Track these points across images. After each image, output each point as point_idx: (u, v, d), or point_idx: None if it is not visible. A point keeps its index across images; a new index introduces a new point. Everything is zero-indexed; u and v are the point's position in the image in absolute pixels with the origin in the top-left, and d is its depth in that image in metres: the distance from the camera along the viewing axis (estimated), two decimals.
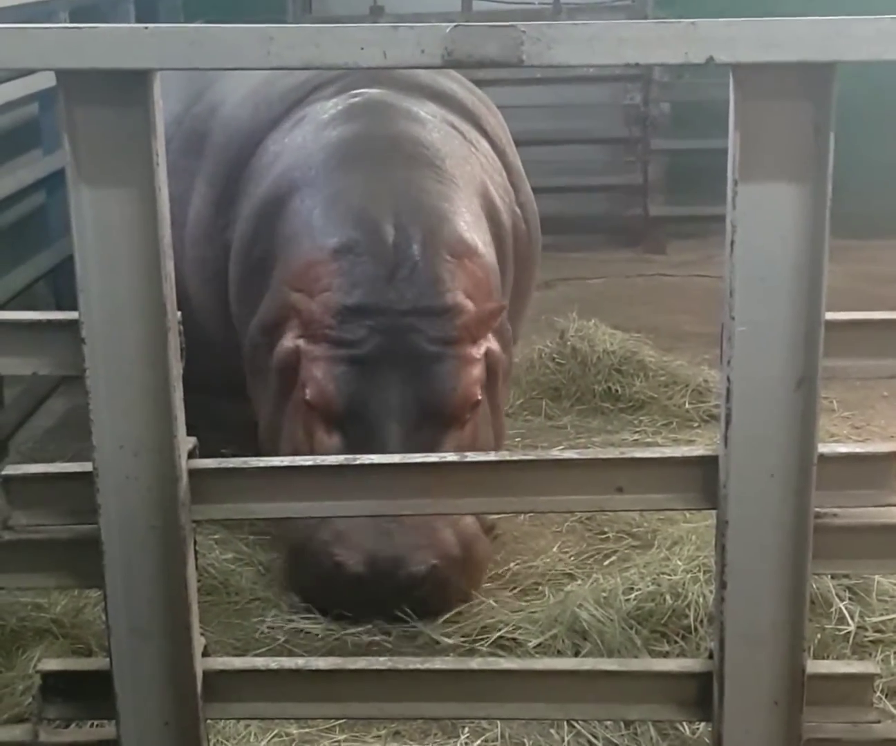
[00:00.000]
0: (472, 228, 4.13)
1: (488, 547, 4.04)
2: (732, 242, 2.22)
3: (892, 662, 3.37)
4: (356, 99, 4.50)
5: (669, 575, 3.66)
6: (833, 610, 3.47)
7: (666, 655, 3.39)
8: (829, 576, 3.49)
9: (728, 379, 2.28)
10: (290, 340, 3.96)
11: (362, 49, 2.08)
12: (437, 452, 3.49)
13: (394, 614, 3.69)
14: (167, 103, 4.98)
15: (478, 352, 3.92)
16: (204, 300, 4.63)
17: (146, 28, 2.10)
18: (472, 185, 4.35)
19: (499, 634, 3.61)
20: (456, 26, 2.07)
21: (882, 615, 3.49)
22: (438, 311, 3.84)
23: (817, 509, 2.35)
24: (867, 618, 3.47)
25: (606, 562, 4.10)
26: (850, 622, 3.44)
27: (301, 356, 3.89)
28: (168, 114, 4.80)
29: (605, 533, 4.31)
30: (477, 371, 3.90)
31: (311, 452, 3.77)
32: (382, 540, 3.68)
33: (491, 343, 4.00)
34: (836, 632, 3.43)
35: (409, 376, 3.79)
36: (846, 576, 3.54)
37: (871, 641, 3.44)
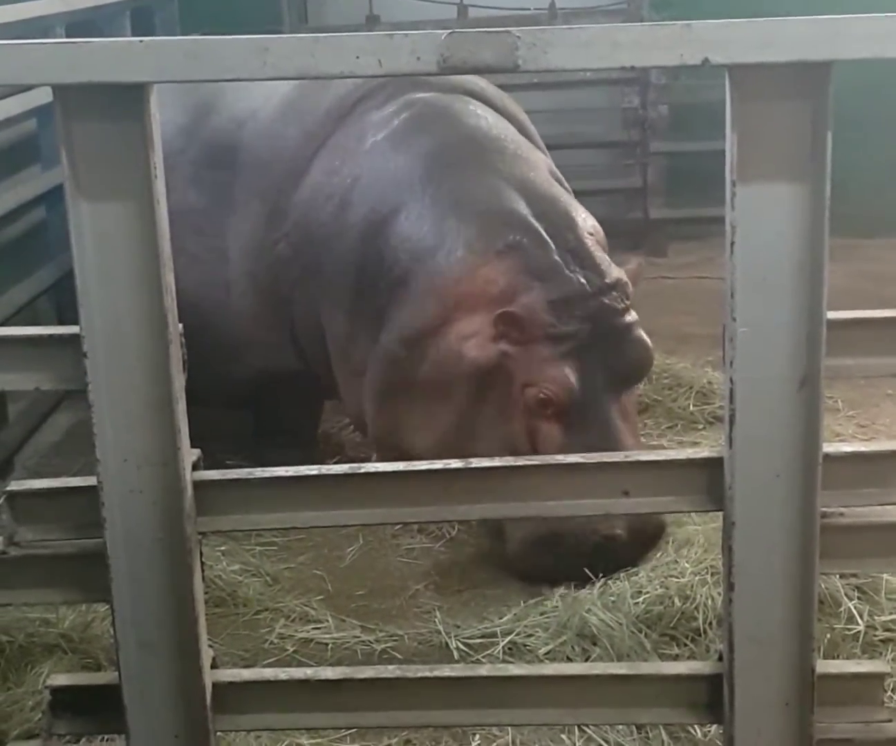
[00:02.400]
0: (580, 206, 4.36)
1: None
2: (732, 243, 2.22)
3: None
4: (417, 107, 4.58)
5: (677, 577, 3.66)
6: (842, 609, 3.46)
7: (675, 658, 3.38)
8: (838, 576, 3.48)
9: (731, 380, 2.27)
10: (482, 347, 4.00)
11: (358, 58, 2.08)
12: (627, 411, 4.06)
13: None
14: (166, 113, 5.05)
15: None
16: (253, 309, 4.71)
17: (142, 42, 2.11)
18: (547, 168, 4.57)
19: (508, 640, 3.61)
20: (451, 33, 2.07)
21: (891, 614, 3.48)
22: (617, 287, 4.07)
23: (823, 509, 2.35)
24: (876, 617, 3.46)
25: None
26: (860, 621, 3.43)
27: (514, 360, 3.97)
28: (171, 125, 4.90)
29: None
30: None
31: (535, 450, 3.93)
32: None
33: None
34: (846, 632, 3.42)
35: (615, 350, 4.03)
36: (854, 576, 3.53)
37: (880, 640, 3.43)
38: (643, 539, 3.99)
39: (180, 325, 2.33)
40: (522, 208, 4.18)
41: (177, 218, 4.85)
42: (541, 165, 4.51)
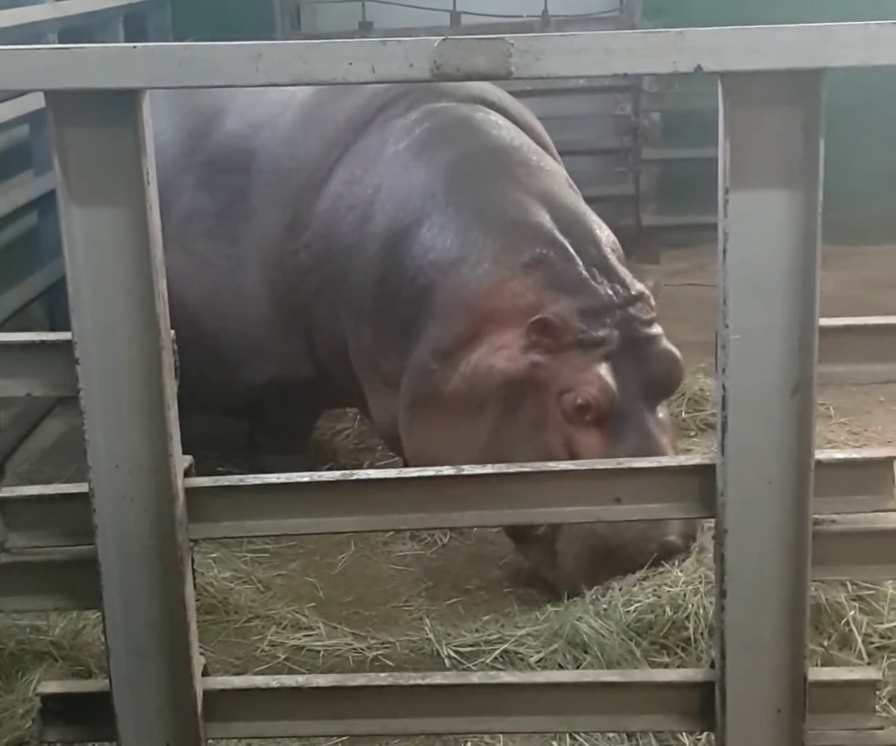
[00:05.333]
0: (602, 221, 4.37)
1: None
2: (725, 250, 2.22)
3: None
4: (436, 118, 4.57)
5: (669, 586, 3.65)
6: (843, 621, 3.45)
7: (666, 667, 3.38)
8: (839, 585, 3.48)
9: (723, 387, 2.28)
10: (514, 358, 3.98)
11: (351, 64, 2.08)
12: (661, 423, 4.03)
13: None
14: (175, 115, 5.02)
15: None
16: (270, 318, 4.70)
17: (135, 47, 2.10)
18: (566, 182, 4.57)
19: (500, 648, 3.60)
20: (444, 40, 2.07)
21: (889, 622, 3.48)
22: (641, 299, 4.08)
23: (816, 516, 2.35)
24: (875, 626, 3.46)
25: None
26: (857, 633, 3.42)
27: (547, 368, 3.93)
28: (181, 128, 4.89)
29: None
30: None
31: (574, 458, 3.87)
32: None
33: None
34: (843, 640, 3.42)
35: (644, 361, 4.02)
36: (855, 585, 3.53)
37: (876, 648, 3.43)
38: (692, 541, 3.94)
39: (172, 332, 2.33)
40: (548, 221, 4.17)
41: (187, 220, 4.85)
42: (561, 177, 4.52)
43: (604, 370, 3.93)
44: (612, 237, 4.29)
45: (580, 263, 4.06)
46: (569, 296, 3.99)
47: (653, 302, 4.12)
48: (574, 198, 4.42)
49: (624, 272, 4.13)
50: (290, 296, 4.64)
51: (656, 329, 4.09)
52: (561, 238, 4.12)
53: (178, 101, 4.95)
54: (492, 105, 4.75)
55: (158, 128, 4.99)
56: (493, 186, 4.32)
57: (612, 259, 4.14)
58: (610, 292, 4.02)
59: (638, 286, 4.10)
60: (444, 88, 4.65)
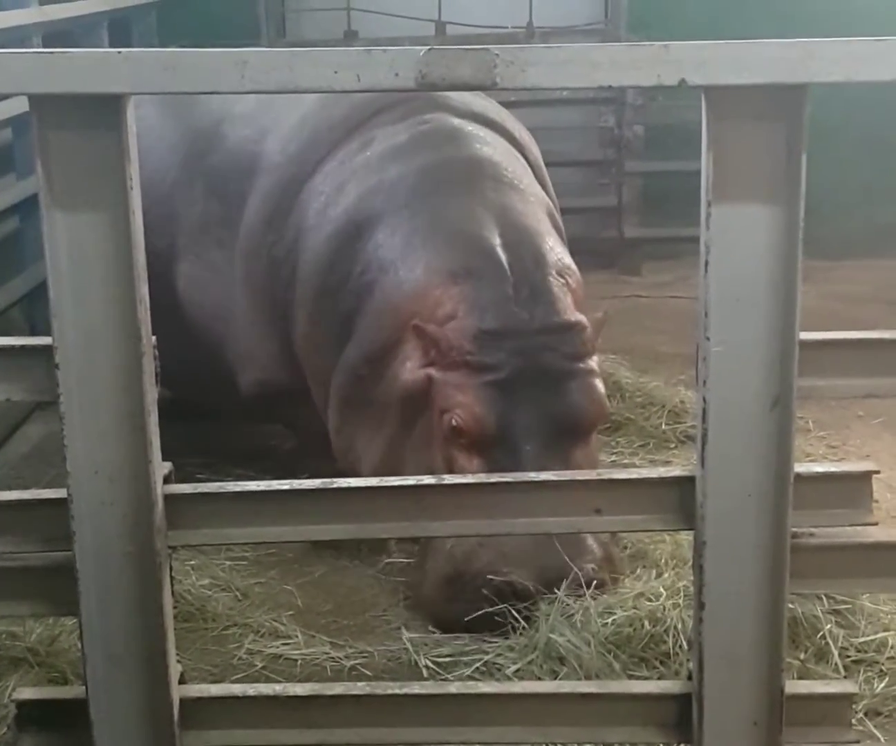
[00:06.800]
0: (562, 247, 4.26)
1: (617, 545, 4.03)
2: (707, 263, 2.23)
3: (875, 683, 3.36)
4: (426, 125, 4.54)
5: (649, 599, 3.64)
6: (820, 634, 3.46)
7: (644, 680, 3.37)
8: (817, 597, 3.49)
9: (704, 399, 2.28)
10: (413, 370, 3.95)
11: (336, 72, 2.08)
12: (572, 466, 3.72)
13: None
14: (178, 116, 4.98)
15: (597, 365, 4.00)
16: (249, 315, 4.66)
17: (120, 53, 2.10)
18: (544, 206, 4.49)
19: (476, 658, 3.60)
20: (430, 49, 2.07)
21: (866, 636, 3.49)
22: (566, 329, 3.93)
23: (794, 529, 2.36)
24: (852, 639, 3.47)
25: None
26: (833, 646, 3.43)
27: (435, 384, 3.88)
28: (186, 131, 4.87)
29: None
30: (602, 383, 3.99)
31: None
32: (547, 555, 3.66)
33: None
34: (819, 654, 3.43)
35: (548, 393, 3.86)
36: (832, 599, 3.54)
37: (853, 661, 3.44)
38: (549, 583, 3.70)
39: (154, 338, 2.32)
40: (492, 235, 4.07)
41: (200, 231, 4.82)
42: (535, 201, 4.42)
43: (482, 395, 3.81)
44: (567, 263, 4.13)
45: (510, 281, 3.94)
46: (478, 313, 3.88)
47: (587, 334, 3.94)
48: (534, 219, 4.26)
49: (559, 298, 3.96)
50: (267, 292, 4.58)
51: (583, 363, 3.90)
52: (499, 253, 4.01)
53: (195, 102, 4.94)
54: (490, 123, 4.72)
55: (164, 130, 4.98)
56: (452, 195, 4.27)
57: (553, 283, 3.99)
58: (526, 316, 3.88)
59: (570, 316, 3.94)
60: (445, 100, 4.62)
